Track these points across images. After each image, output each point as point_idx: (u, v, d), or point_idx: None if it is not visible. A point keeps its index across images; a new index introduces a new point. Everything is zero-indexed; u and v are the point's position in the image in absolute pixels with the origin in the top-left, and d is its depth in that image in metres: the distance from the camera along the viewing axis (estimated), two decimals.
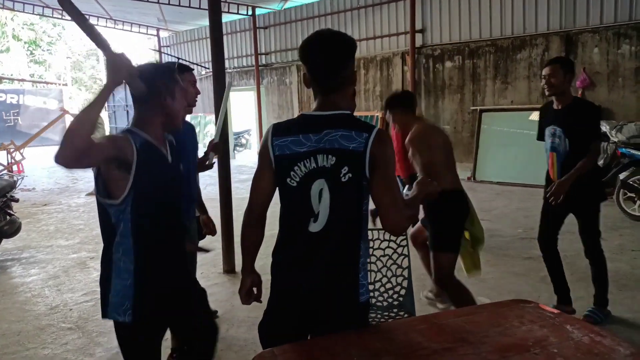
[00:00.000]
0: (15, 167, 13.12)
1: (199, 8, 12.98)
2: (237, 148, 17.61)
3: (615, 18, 8.48)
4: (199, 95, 3.17)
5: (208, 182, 8.67)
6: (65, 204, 9.54)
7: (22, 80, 27.37)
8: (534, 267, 4.84)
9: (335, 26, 12.58)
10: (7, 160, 13.23)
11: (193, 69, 3.27)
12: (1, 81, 25.68)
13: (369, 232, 2.91)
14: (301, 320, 1.84)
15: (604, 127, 7.69)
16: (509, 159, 9.47)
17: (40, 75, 32.14)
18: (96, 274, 5.26)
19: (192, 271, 3.19)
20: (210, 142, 3.24)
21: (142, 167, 1.89)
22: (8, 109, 23.03)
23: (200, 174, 3.30)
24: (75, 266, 5.60)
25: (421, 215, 3.54)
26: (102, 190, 1.91)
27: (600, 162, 7.36)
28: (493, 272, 4.83)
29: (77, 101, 31.78)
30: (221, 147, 3.47)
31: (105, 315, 2.01)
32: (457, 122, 10.72)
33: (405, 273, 3.00)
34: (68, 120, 21.87)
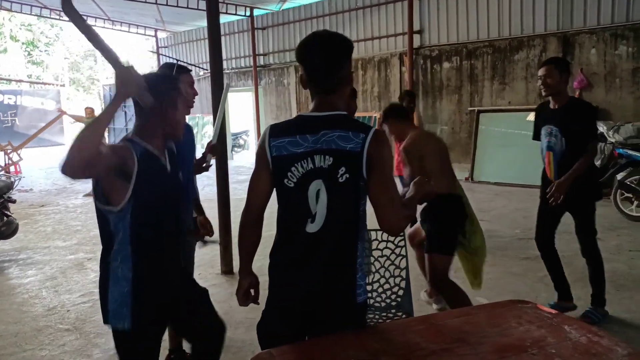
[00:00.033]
0: (12, 168, 13.08)
1: (197, 9, 12.97)
2: (235, 149, 17.60)
3: (612, 19, 8.50)
4: (196, 96, 3.16)
5: (206, 182, 8.67)
6: (62, 205, 9.52)
7: (20, 81, 27.34)
8: (532, 267, 4.85)
9: (334, 27, 12.59)
10: (5, 161, 13.19)
11: (191, 70, 3.27)
12: None
13: (370, 233, 2.94)
14: (299, 321, 1.84)
15: (602, 128, 7.71)
16: (506, 159, 9.49)
17: (37, 76, 32.08)
18: (94, 275, 5.25)
19: (190, 272, 3.19)
20: (208, 144, 3.24)
21: (142, 177, 1.90)
22: (5, 109, 23.00)
23: (198, 175, 3.30)
24: (72, 267, 5.59)
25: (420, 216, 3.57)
26: (102, 196, 1.92)
27: (598, 163, 7.38)
28: (491, 273, 4.82)
29: (74, 102, 31.74)
30: (219, 148, 3.46)
31: (106, 321, 2.03)
32: (455, 122, 10.73)
33: (403, 274, 3.01)
34: (66, 121, 21.91)
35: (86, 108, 10.94)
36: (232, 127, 16.90)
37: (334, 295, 1.79)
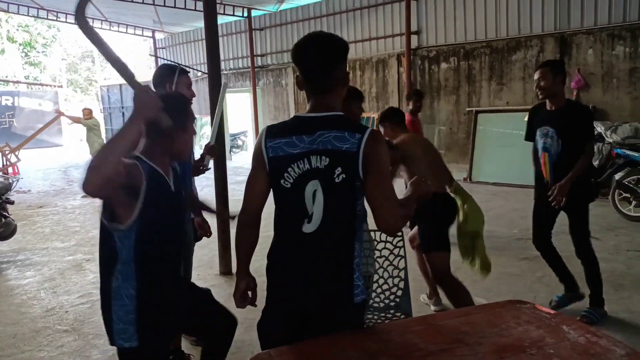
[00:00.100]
0: (10, 169, 13.06)
1: (195, 10, 12.97)
2: (234, 149, 17.60)
3: (610, 19, 8.52)
4: (194, 98, 3.16)
5: (205, 183, 8.66)
6: (61, 206, 9.51)
7: (17, 82, 27.29)
8: (530, 267, 4.86)
9: (331, 28, 12.60)
10: (3, 162, 13.18)
11: (189, 72, 3.26)
12: None
13: (370, 233, 2.94)
14: (297, 321, 1.84)
15: (599, 128, 7.72)
16: (504, 159, 9.49)
17: (35, 77, 32.04)
18: (92, 276, 5.25)
19: (188, 274, 3.19)
20: (206, 145, 3.23)
21: (150, 195, 1.92)
22: (3, 111, 22.98)
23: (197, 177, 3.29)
24: (71, 268, 5.58)
25: None
26: (109, 214, 1.93)
27: (596, 163, 7.40)
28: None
29: (72, 103, 31.71)
30: (217, 149, 3.45)
31: (112, 342, 2.04)
32: (453, 123, 10.74)
33: (402, 274, 3.01)
34: (63, 122, 21.88)
35: (84, 109, 10.93)
36: (231, 128, 16.91)
37: (331, 296, 1.79)
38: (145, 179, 1.91)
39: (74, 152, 20.75)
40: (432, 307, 4.02)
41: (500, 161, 9.58)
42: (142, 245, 1.96)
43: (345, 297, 1.79)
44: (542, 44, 9.32)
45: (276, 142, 1.79)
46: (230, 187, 5.40)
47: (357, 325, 1.85)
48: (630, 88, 8.39)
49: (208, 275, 5.10)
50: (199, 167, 3.19)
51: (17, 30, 30.98)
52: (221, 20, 13.88)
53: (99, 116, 18.27)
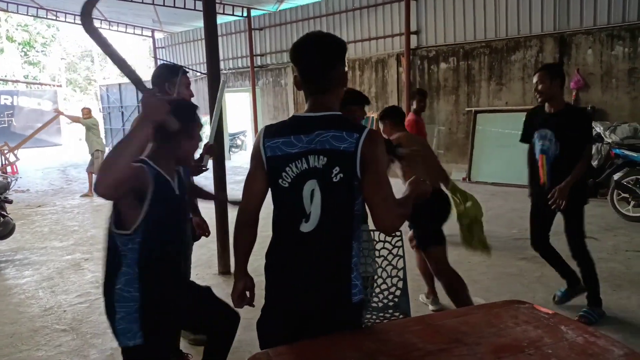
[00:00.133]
0: (9, 169, 13.05)
1: (194, 9, 12.96)
2: (233, 149, 17.60)
3: (609, 20, 8.53)
4: (193, 98, 3.16)
5: (203, 183, 8.64)
6: (59, 206, 9.50)
7: (16, 81, 27.29)
8: (528, 267, 4.86)
9: (331, 27, 12.60)
10: (1, 161, 13.17)
11: (188, 72, 3.26)
12: None
13: (370, 233, 2.94)
14: (296, 321, 1.84)
15: (598, 129, 7.73)
16: (503, 159, 9.49)
17: (34, 77, 32.02)
18: (90, 275, 5.25)
19: (188, 273, 3.18)
20: (205, 145, 3.23)
21: (155, 198, 1.94)
22: (2, 110, 22.99)
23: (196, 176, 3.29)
24: (69, 268, 5.58)
25: None
26: (115, 219, 1.96)
27: (594, 163, 7.41)
28: (488, 273, 4.84)
29: (71, 102, 31.69)
30: (216, 148, 3.45)
31: (119, 343, 2.07)
32: (452, 123, 10.74)
33: (401, 274, 3.00)
34: (62, 121, 21.87)
35: (83, 108, 10.91)
36: (230, 127, 16.89)
37: (329, 295, 1.79)
38: (151, 183, 1.94)
39: (72, 151, 20.74)
40: (430, 307, 4.03)
41: (500, 161, 9.58)
42: (146, 248, 1.98)
43: (343, 297, 1.79)
44: (541, 44, 9.32)
45: (274, 141, 1.79)
46: (229, 186, 5.40)
47: (356, 325, 1.85)
48: (629, 88, 8.40)
49: (207, 275, 5.10)
50: (198, 167, 3.19)
51: (17, 29, 30.96)
52: (220, 19, 13.88)
53: (98, 115, 18.25)
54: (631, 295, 4.17)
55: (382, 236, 3.01)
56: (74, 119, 11.07)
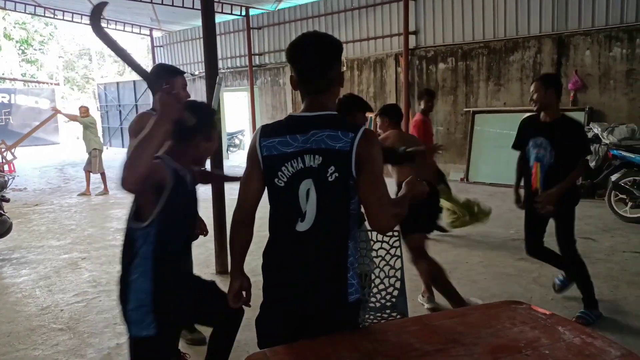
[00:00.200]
0: (6, 167, 13.02)
1: (192, 8, 12.94)
2: (231, 148, 17.60)
3: (607, 21, 8.54)
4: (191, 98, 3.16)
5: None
6: (57, 204, 9.48)
7: (14, 79, 27.23)
8: (526, 268, 4.87)
9: (329, 27, 12.60)
10: None
11: (185, 72, 3.28)
12: None
13: (368, 233, 2.94)
14: (293, 320, 1.84)
15: (596, 129, 7.74)
16: (501, 160, 9.49)
17: (32, 75, 31.95)
18: (87, 274, 5.24)
19: (191, 268, 3.19)
20: None
21: (171, 194, 2.02)
22: None
23: None
24: (66, 267, 5.56)
25: None
26: (134, 212, 2.06)
27: (592, 164, 7.43)
28: (485, 273, 4.85)
29: (69, 101, 31.64)
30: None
31: (130, 333, 2.13)
32: (450, 123, 10.75)
33: (398, 274, 3.00)
34: (60, 120, 21.83)
35: (81, 107, 10.88)
36: (228, 126, 16.88)
37: (325, 295, 1.79)
38: (170, 178, 2.02)
39: (70, 150, 20.70)
40: (425, 305, 4.04)
41: (498, 162, 9.58)
42: (160, 241, 2.06)
43: (340, 296, 1.79)
44: (539, 45, 9.34)
45: (270, 141, 1.79)
46: (226, 186, 5.39)
47: (353, 325, 1.85)
48: (627, 89, 8.41)
49: (204, 274, 5.03)
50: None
51: (14, 27, 30.89)
52: (219, 18, 13.85)
53: (95, 114, 18.24)
54: (628, 296, 4.17)
55: (380, 236, 3.01)
56: (72, 118, 11.04)
